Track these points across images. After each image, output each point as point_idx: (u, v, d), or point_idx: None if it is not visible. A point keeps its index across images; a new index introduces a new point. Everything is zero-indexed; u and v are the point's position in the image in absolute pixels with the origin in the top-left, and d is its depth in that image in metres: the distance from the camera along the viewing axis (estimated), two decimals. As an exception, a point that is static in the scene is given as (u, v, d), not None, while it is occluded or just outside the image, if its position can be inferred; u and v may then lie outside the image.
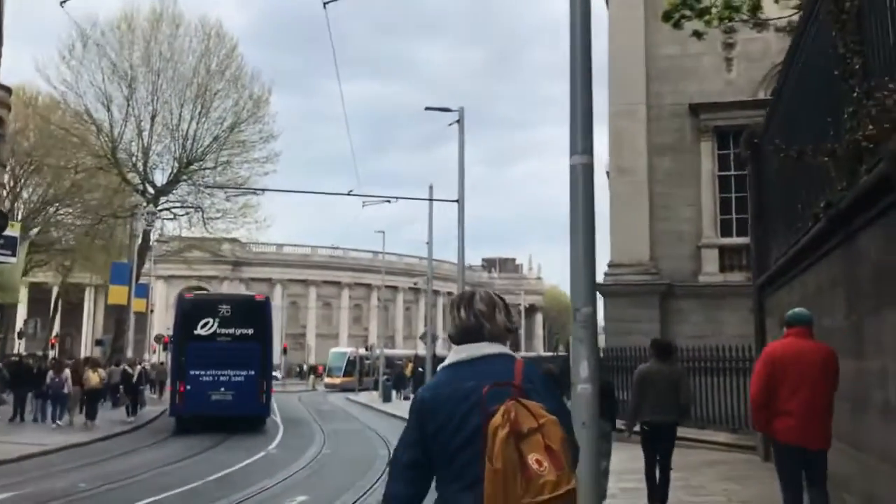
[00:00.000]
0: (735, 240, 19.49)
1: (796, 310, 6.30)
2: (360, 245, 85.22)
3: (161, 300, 69.56)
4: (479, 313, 2.71)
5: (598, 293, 19.64)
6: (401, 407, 31.31)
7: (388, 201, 25.32)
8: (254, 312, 22.25)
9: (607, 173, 21.86)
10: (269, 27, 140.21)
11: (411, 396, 23.59)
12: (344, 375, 58.45)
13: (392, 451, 2.69)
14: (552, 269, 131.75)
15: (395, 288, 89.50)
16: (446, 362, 2.71)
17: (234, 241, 78.87)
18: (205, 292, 54.41)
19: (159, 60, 39.06)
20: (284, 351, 66.28)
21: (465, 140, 23.14)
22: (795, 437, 5.81)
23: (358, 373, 58.85)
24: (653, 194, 20.17)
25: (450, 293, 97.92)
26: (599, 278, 20.38)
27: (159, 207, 39.77)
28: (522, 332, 79.48)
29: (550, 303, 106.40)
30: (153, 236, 41.44)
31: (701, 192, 20.09)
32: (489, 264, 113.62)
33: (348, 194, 23.51)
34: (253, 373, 21.30)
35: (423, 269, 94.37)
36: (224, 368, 21.10)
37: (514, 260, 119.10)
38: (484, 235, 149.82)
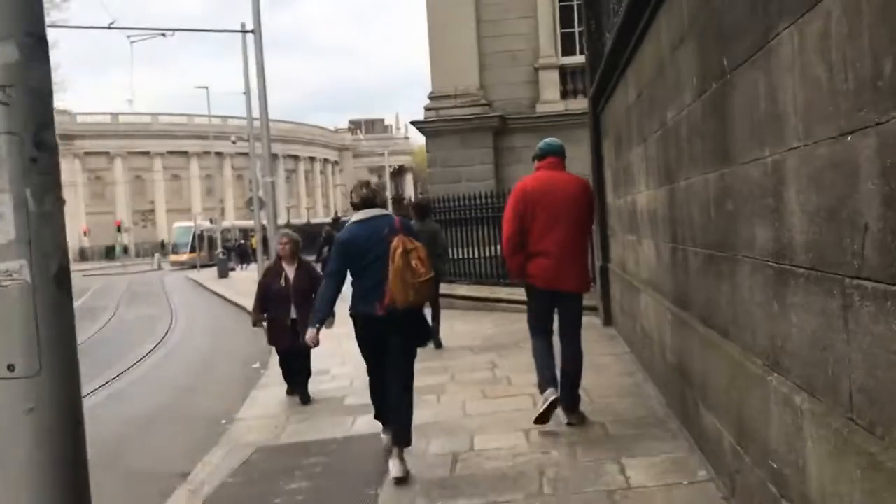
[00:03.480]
0: (579, 59, 16.00)
1: (547, 139, 5.83)
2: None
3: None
4: (372, 191, 5.17)
5: (419, 131, 15.41)
6: (234, 286, 27.61)
7: (163, 34, 20.33)
8: None
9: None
10: None
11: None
12: (191, 251, 54.12)
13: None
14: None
15: (246, 155, 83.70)
16: (354, 219, 5.10)
17: (62, 112, 71.24)
18: None
19: None
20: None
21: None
22: (551, 280, 5.42)
23: (207, 248, 54.54)
24: (479, 4, 16.31)
25: (312, 158, 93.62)
26: (419, 114, 16.68)
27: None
28: (390, 193, 75.97)
29: (421, 163, 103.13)
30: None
31: (537, 1, 16.43)
32: (355, 126, 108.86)
33: (109, 27, 18.33)
34: None
35: (281, 132, 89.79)
36: None
37: (382, 121, 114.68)
38: (353, 99, 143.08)
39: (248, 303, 20.92)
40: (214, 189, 79.68)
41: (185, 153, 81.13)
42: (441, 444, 5.45)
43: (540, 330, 5.52)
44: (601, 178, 9.87)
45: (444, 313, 12.59)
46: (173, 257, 55.25)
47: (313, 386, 8.05)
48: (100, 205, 77.40)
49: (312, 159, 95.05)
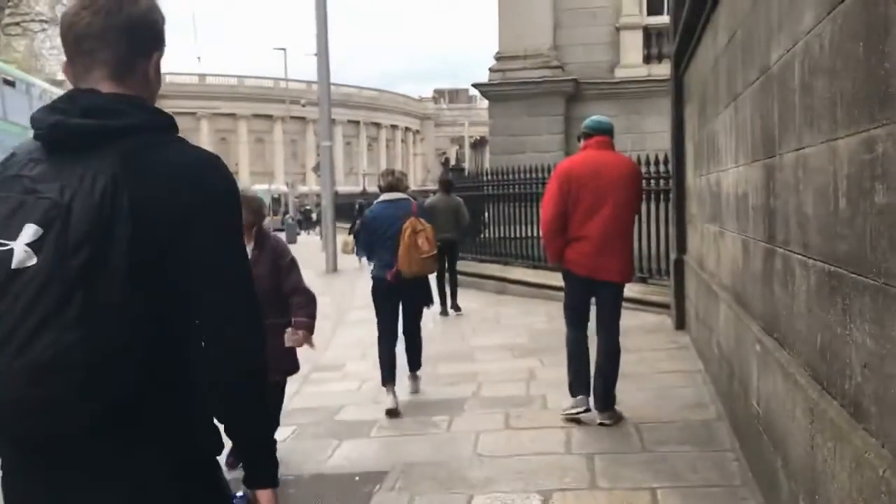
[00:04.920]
0: (665, 19, 14.15)
1: (595, 116, 5.48)
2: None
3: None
4: (396, 179, 6.15)
5: (482, 95, 13.81)
6: (293, 251, 26.68)
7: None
8: None
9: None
10: None
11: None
12: (272, 215, 54.42)
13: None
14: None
15: (332, 121, 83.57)
16: (380, 199, 6.09)
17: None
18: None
19: None
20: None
21: None
22: (590, 266, 5.06)
23: (282, 213, 54.73)
24: (556, -45, 14.57)
25: (394, 126, 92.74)
26: (483, 76, 15.12)
27: (6, 21, 32.93)
28: (469, 164, 74.30)
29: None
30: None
31: (622, -48, 14.60)
32: (439, 95, 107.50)
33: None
34: None
35: (365, 99, 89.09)
36: None
37: (466, 91, 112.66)
38: (443, 68, 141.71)
39: (304, 272, 20.08)
40: (298, 154, 79.87)
41: (269, 117, 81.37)
42: (426, 502, 4.01)
43: (575, 320, 5.24)
44: (681, 152, 8.19)
45: (494, 298, 11.39)
46: (250, 221, 55.47)
47: (316, 387, 6.76)
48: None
49: (394, 128, 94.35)
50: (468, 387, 6.34)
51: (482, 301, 11.60)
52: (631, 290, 10.04)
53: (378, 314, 6.07)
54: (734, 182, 4.51)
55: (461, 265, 13.52)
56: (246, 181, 77.05)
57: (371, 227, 6.05)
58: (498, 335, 8.69)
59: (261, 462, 1.62)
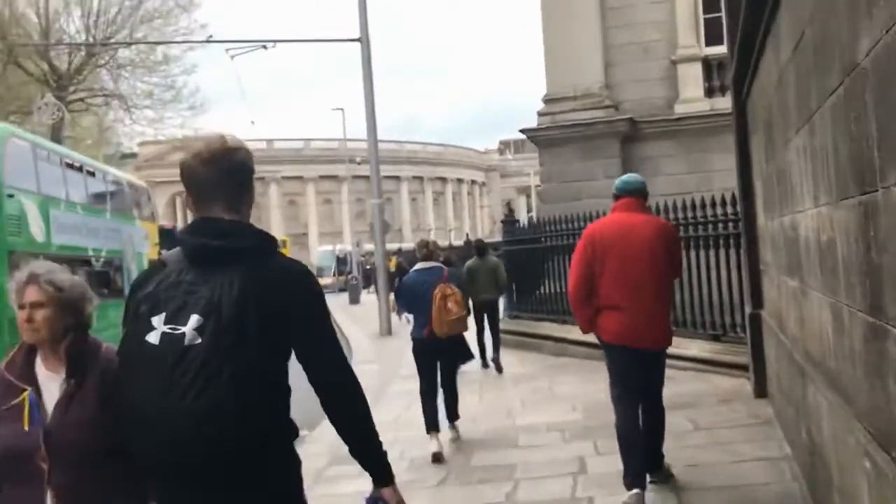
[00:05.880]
0: (726, 49, 13.12)
1: (624, 176, 5.29)
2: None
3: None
4: (430, 250, 6.93)
5: (530, 140, 13.01)
6: (354, 313, 26.41)
7: (264, 47, 18.84)
8: None
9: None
10: None
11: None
12: (334, 275, 54.42)
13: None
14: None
15: (397, 178, 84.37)
16: (416, 268, 6.87)
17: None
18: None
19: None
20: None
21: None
22: (629, 336, 4.80)
23: (346, 273, 54.73)
24: (603, -11, 13.68)
25: (459, 179, 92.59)
26: (529, 120, 14.25)
27: (70, 98, 33.83)
28: (534, 214, 73.30)
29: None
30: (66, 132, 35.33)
31: (674, -19, 13.63)
32: (505, 146, 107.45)
33: (207, 41, 17.07)
34: None
35: (430, 155, 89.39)
36: None
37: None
38: (507, 119, 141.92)
39: (355, 332, 19.28)
40: (364, 212, 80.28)
41: (335, 177, 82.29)
42: None
43: (622, 396, 4.88)
44: (749, 190, 7.09)
45: (551, 362, 10.52)
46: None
47: (330, 487, 5.81)
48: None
49: (460, 181, 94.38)
50: (502, 487, 5.26)
51: (537, 365, 10.53)
52: (703, 349, 8.91)
53: (419, 372, 6.79)
54: (815, 227, 3.43)
55: (516, 324, 12.62)
56: (314, 242, 78.02)
57: (408, 292, 6.87)
58: (549, 410, 7.61)
59: (382, 464, 2.24)
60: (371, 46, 18.25)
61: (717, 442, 5.65)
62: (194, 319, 1.95)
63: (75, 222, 16.89)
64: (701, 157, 13.16)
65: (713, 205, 8.55)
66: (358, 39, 18.18)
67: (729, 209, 8.25)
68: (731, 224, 8.23)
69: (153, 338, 1.98)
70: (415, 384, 6.85)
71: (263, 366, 1.99)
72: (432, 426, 6.47)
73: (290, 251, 70.02)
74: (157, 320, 1.99)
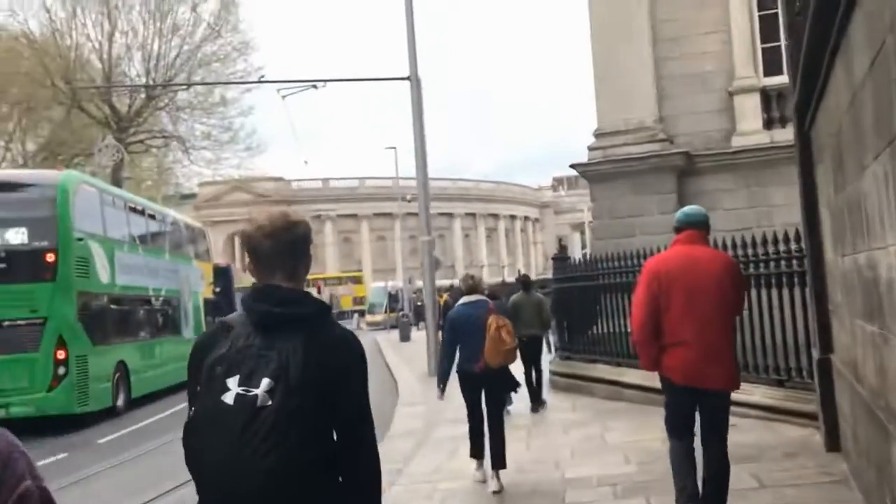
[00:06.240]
0: (785, 79, 12.59)
1: (685, 208, 5.17)
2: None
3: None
4: (475, 283, 7.10)
5: (581, 176, 12.79)
6: (404, 351, 26.10)
7: (315, 86, 18.90)
8: None
9: None
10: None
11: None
12: (388, 311, 54.29)
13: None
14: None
15: (450, 215, 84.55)
16: (461, 301, 6.98)
17: (278, 179, 75.57)
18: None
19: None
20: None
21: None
22: (695, 373, 4.63)
23: (398, 311, 54.61)
24: (655, 20, 13.29)
25: (512, 216, 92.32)
26: (582, 155, 13.86)
27: (130, 140, 34.66)
28: (588, 250, 72.48)
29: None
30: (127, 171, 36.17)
31: (730, 10, 13.16)
32: (558, 182, 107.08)
33: (259, 81, 17.18)
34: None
35: (483, 192, 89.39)
36: None
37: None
38: (562, 155, 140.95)
39: (405, 374, 18.92)
40: (417, 249, 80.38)
41: (389, 215, 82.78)
42: None
43: (678, 432, 4.77)
44: (814, 223, 6.59)
45: (604, 406, 10.07)
46: (369, 318, 55.82)
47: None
48: (312, 265, 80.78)
49: (513, 217, 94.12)
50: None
51: (590, 410, 10.03)
52: (766, 395, 8.31)
53: (467, 406, 6.91)
54: (900, 266, 2.98)
55: (567, 366, 12.19)
56: (368, 278, 78.29)
57: (454, 325, 6.85)
58: (600, 461, 7.13)
59: None
60: (421, 84, 18.17)
61: (785, 503, 5.11)
62: (265, 383, 2.11)
63: (137, 263, 17.09)
64: (760, 192, 12.60)
65: (775, 241, 8.03)
66: (407, 78, 18.11)
67: (793, 245, 7.72)
68: (794, 261, 7.71)
69: (228, 398, 2.12)
70: (460, 428, 6.82)
71: (323, 424, 2.16)
72: (478, 453, 6.86)
73: (365, 288, 70.09)
74: (233, 382, 2.14)
